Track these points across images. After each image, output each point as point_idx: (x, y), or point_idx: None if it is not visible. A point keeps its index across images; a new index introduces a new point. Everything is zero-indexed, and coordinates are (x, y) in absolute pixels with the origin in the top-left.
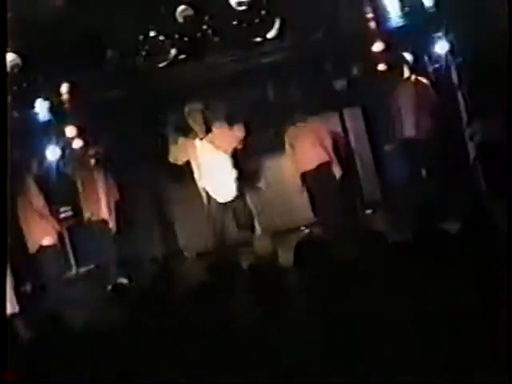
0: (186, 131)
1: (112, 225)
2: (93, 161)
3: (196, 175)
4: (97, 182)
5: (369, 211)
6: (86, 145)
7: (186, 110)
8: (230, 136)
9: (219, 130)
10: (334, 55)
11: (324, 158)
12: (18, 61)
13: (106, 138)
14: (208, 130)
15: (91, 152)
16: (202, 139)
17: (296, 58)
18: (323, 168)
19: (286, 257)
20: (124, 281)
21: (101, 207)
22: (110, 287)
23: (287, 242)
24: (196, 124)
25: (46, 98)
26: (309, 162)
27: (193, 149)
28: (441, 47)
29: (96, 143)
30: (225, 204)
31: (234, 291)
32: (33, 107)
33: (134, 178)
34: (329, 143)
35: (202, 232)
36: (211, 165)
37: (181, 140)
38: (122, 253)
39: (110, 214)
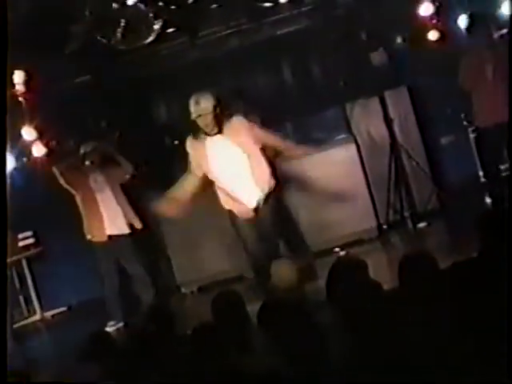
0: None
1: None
2: (87, 163)
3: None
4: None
5: (422, 224)
6: (51, 151)
7: (193, 105)
8: (247, 133)
9: (236, 124)
10: (370, 22)
11: None
12: None
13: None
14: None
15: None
16: (214, 135)
17: (319, 27)
18: None
19: (316, 287)
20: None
21: (104, 224)
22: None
23: (317, 269)
24: (207, 122)
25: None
26: None
27: (203, 151)
28: (507, 8)
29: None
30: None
31: (246, 333)
32: None
33: None
34: None
35: (204, 260)
36: (226, 170)
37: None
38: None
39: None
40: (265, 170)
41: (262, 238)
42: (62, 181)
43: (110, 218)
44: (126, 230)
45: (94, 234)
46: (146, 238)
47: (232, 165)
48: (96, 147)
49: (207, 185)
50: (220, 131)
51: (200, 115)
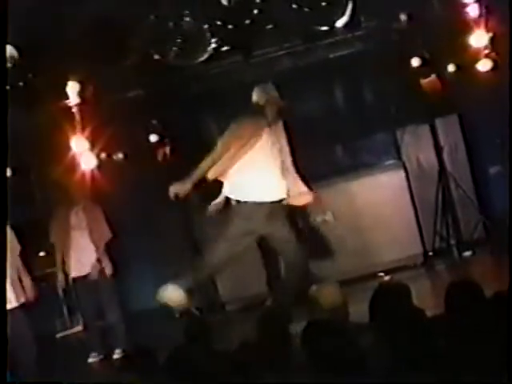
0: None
1: (108, 270)
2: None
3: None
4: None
5: (467, 253)
6: (100, 164)
7: (255, 94)
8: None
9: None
10: (422, 49)
11: None
12: (14, 53)
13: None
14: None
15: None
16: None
17: (372, 51)
18: None
19: (358, 311)
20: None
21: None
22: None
23: (361, 292)
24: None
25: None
26: None
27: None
28: None
29: None
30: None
31: (290, 356)
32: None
33: (157, 206)
34: None
35: (249, 278)
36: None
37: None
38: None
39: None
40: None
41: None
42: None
43: (76, 260)
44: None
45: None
46: None
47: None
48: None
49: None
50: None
51: (265, 101)
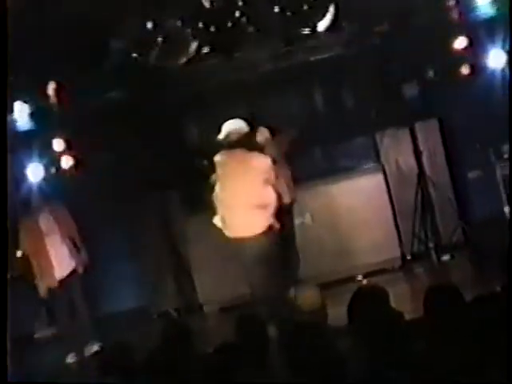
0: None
1: (80, 268)
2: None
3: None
4: (42, 231)
5: (446, 257)
6: (77, 164)
7: (226, 134)
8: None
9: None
10: (404, 53)
11: None
12: None
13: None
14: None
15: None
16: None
17: (354, 55)
18: None
19: (336, 314)
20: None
21: (53, 267)
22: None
23: (339, 295)
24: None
25: (26, 101)
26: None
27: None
28: None
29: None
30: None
31: (268, 357)
32: (10, 112)
33: (135, 206)
34: None
35: (228, 280)
36: (239, 189)
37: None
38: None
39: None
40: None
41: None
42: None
43: (59, 261)
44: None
45: (45, 280)
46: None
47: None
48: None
49: None
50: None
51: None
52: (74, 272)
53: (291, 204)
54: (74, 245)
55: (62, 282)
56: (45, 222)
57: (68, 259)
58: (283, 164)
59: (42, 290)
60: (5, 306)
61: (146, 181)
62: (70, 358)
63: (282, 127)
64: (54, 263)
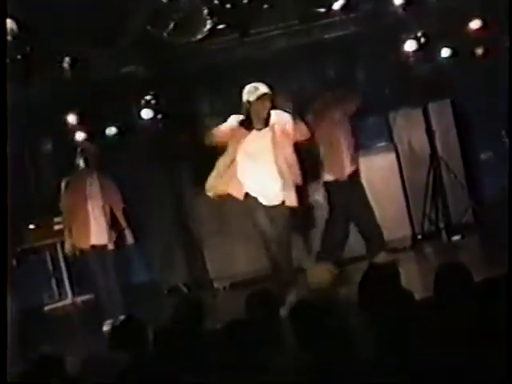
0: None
1: (111, 245)
2: (81, 162)
3: (239, 175)
4: (86, 193)
5: (456, 237)
6: (90, 138)
7: (246, 93)
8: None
9: (282, 123)
10: (418, 33)
11: None
12: (13, 26)
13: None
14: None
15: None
16: (259, 129)
17: (368, 33)
18: None
19: (348, 291)
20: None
21: (90, 230)
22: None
23: (351, 274)
24: (259, 113)
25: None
26: None
27: (243, 141)
28: None
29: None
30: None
31: (279, 333)
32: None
33: (146, 181)
34: None
35: (238, 256)
36: (261, 165)
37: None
38: (125, 280)
39: (108, 234)
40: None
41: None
42: (62, 191)
43: (96, 228)
44: (106, 241)
45: (78, 241)
46: None
47: (260, 159)
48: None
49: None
50: (266, 124)
51: (259, 98)
52: (105, 246)
53: (356, 171)
54: (112, 219)
55: (93, 247)
56: (89, 185)
57: (104, 231)
58: (348, 129)
59: (71, 249)
60: (4, 305)
61: (157, 156)
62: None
63: (347, 91)
64: (95, 226)
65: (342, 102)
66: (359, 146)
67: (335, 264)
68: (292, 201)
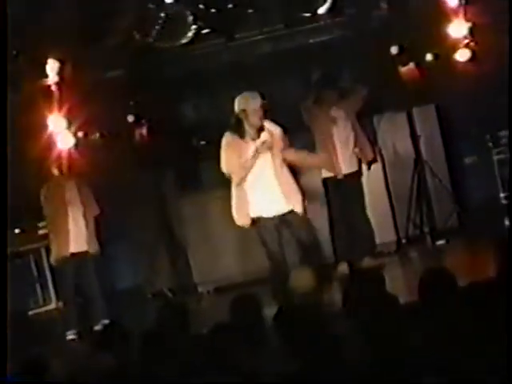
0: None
1: (94, 249)
2: (55, 171)
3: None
4: (65, 199)
5: (441, 242)
6: (77, 143)
7: (241, 102)
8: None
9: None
10: (402, 37)
11: None
12: None
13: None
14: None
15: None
16: (253, 140)
17: (353, 38)
18: None
19: (332, 296)
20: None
21: (69, 238)
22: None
23: (335, 278)
24: (254, 123)
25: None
26: None
27: (245, 151)
28: None
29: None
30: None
31: (263, 338)
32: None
33: (130, 185)
34: None
35: (222, 260)
36: (261, 176)
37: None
38: (109, 284)
39: (89, 239)
40: (292, 184)
41: (283, 245)
42: (42, 198)
43: (75, 235)
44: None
45: (59, 249)
46: None
47: (262, 172)
48: None
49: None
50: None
51: (253, 109)
52: (86, 252)
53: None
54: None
55: (73, 254)
56: (69, 191)
57: (83, 238)
58: (356, 124)
59: (54, 257)
60: (4, 305)
61: (141, 160)
62: (69, 335)
63: (352, 87)
64: (74, 233)
65: (344, 98)
66: (365, 144)
67: (319, 267)
68: (299, 208)
